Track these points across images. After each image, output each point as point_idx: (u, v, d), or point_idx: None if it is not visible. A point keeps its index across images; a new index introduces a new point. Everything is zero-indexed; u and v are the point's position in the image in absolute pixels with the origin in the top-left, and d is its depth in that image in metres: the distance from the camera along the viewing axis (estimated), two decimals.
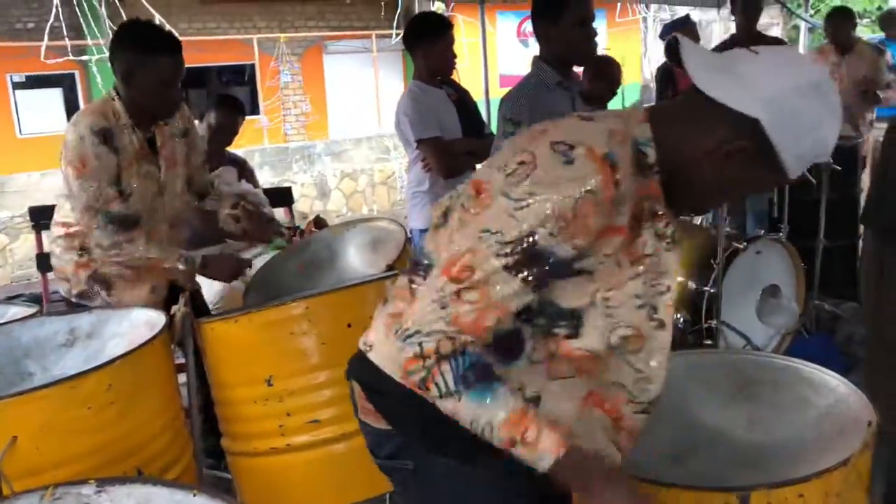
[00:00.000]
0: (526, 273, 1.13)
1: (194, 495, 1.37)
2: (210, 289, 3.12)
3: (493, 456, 1.18)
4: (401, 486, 1.40)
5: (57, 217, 2.52)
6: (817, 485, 1.40)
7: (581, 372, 1.24)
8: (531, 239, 1.12)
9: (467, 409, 1.15)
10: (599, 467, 1.23)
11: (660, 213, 1.22)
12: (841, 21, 5.20)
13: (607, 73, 4.49)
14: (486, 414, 1.14)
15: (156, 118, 2.43)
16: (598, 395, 1.28)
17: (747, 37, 4.79)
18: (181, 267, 2.39)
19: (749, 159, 1.19)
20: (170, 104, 2.41)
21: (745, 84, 1.17)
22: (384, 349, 1.19)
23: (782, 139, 1.15)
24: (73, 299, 2.50)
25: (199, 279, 2.70)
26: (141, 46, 2.31)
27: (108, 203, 2.32)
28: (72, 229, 2.44)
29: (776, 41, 5.15)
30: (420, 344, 1.13)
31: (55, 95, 11.57)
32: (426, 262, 1.28)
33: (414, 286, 1.27)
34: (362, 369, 1.27)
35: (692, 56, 1.22)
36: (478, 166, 3.61)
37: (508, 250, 1.12)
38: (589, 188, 1.11)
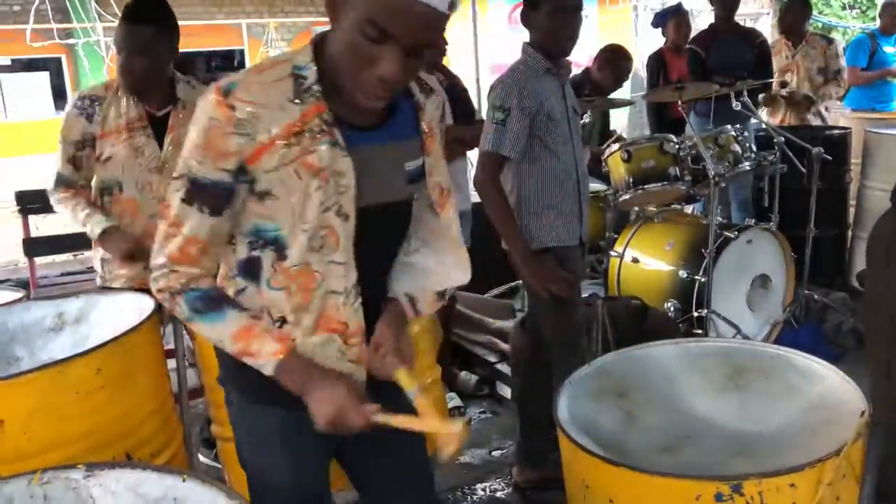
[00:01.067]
0: (197, 203, 1.30)
1: (184, 480, 1.36)
2: None
3: (269, 395, 1.38)
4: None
5: None
6: (809, 474, 1.40)
7: (301, 290, 1.37)
8: (188, 170, 1.30)
9: (205, 331, 1.38)
10: (315, 369, 1.38)
11: (328, 126, 1.31)
12: (799, 10, 5.24)
13: (616, 65, 4.48)
14: (218, 333, 1.36)
15: (145, 89, 2.43)
16: (324, 317, 1.40)
17: (727, 27, 4.80)
18: (89, 233, 2.43)
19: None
20: (148, 74, 2.39)
21: None
22: None
23: None
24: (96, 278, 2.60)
25: None
26: (123, 16, 2.39)
27: (58, 160, 2.44)
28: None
29: (752, 32, 5.16)
30: (155, 279, 1.36)
31: (42, 79, 11.43)
32: None
33: None
34: None
35: None
36: (468, 154, 3.62)
37: (179, 184, 1.31)
38: (210, 116, 1.26)
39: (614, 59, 4.48)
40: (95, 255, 2.57)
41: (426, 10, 1.19)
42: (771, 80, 4.90)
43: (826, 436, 1.56)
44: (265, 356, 1.34)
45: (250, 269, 1.38)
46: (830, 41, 5.36)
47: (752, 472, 1.41)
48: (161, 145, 2.45)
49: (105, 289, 2.45)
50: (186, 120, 2.44)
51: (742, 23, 5.44)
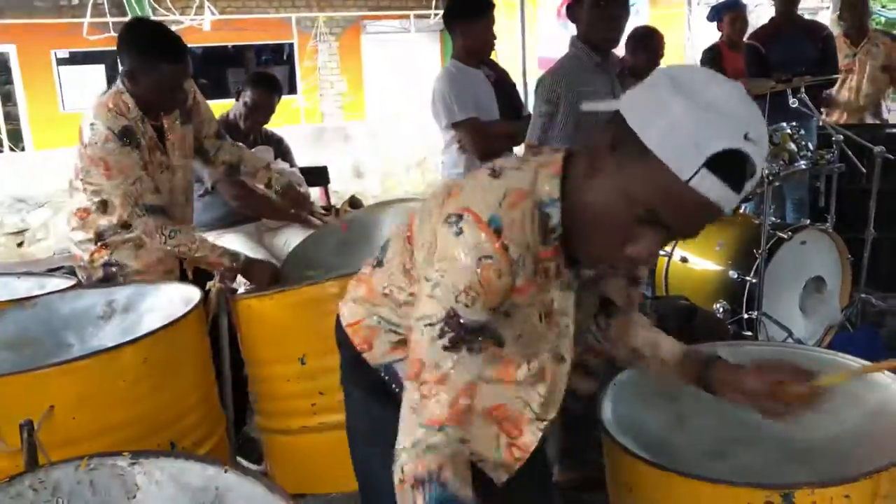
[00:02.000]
0: (465, 348, 1.17)
1: (225, 471, 1.37)
2: None
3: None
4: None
5: (71, 206, 2.58)
6: (865, 485, 1.35)
7: (496, 381, 1.32)
8: (454, 314, 1.15)
9: None
10: None
11: (563, 268, 1.24)
12: (859, 6, 5.07)
13: (647, 45, 4.38)
14: None
15: (163, 111, 2.47)
16: (503, 409, 1.36)
17: (788, 21, 4.65)
18: (227, 264, 2.39)
19: (617, 156, 1.10)
20: (173, 103, 2.46)
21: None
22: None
23: (633, 113, 1.08)
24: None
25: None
26: (143, 50, 2.34)
27: (142, 195, 2.36)
28: (88, 217, 2.51)
29: (817, 25, 5.00)
30: (403, 460, 1.16)
31: (98, 72, 11.72)
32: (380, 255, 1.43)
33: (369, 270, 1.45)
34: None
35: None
36: (515, 149, 3.59)
37: (436, 331, 1.16)
38: (484, 254, 1.13)
39: (642, 39, 4.38)
40: (93, 264, 2.53)
41: (714, 209, 1.07)
42: (835, 77, 4.73)
43: (885, 445, 1.50)
44: None
45: None
46: (895, 38, 5.17)
47: (803, 480, 1.36)
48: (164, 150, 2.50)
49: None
50: (172, 118, 2.51)
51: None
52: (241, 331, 2.23)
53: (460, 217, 1.14)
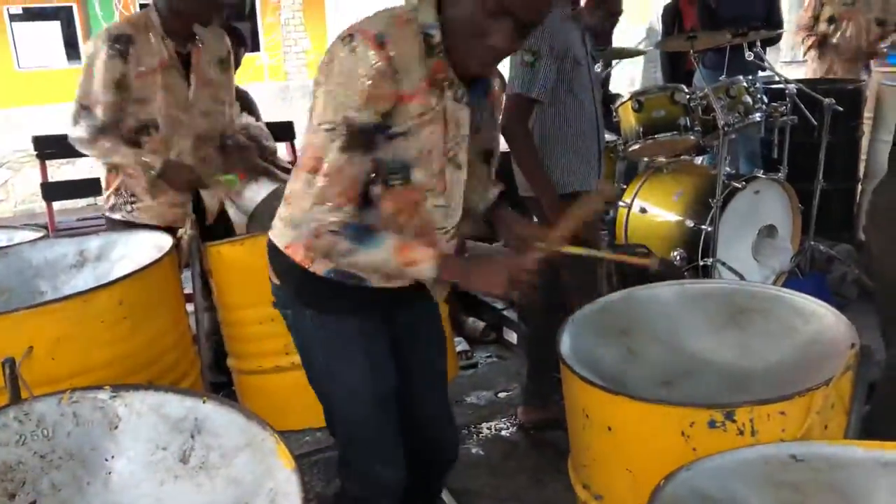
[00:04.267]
0: (358, 148, 1.41)
1: (203, 402, 1.43)
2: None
3: (347, 305, 1.60)
4: (289, 328, 1.73)
5: None
6: (799, 402, 1.46)
7: (402, 213, 1.53)
8: (346, 119, 1.39)
9: (366, 257, 1.48)
10: (468, 261, 1.57)
11: (452, 82, 1.46)
12: None
13: (605, 2, 4.41)
14: (380, 255, 1.47)
15: (194, 22, 2.45)
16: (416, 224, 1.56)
17: None
18: (145, 174, 2.43)
19: None
20: (206, 8, 2.44)
21: None
22: (277, 231, 1.61)
23: None
24: (106, 213, 2.62)
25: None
26: None
27: (95, 105, 2.38)
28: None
29: None
30: (311, 224, 1.45)
31: (54, 28, 11.39)
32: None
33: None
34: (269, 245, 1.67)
35: None
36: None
37: (335, 135, 1.40)
38: (372, 63, 1.36)
39: None
40: (108, 188, 2.57)
41: None
42: (781, 31, 4.82)
43: (819, 370, 1.61)
44: (427, 261, 1.47)
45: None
46: None
47: (743, 400, 1.47)
48: (188, 84, 2.49)
49: (126, 225, 2.49)
50: (205, 57, 2.51)
51: None
52: (213, 277, 2.28)
53: (352, 36, 1.38)
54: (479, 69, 1.46)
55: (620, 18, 4.15)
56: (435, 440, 1.87)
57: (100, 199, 2.67)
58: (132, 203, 2.53)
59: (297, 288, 1.65)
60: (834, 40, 5.05)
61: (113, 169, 2.53)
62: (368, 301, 1.63)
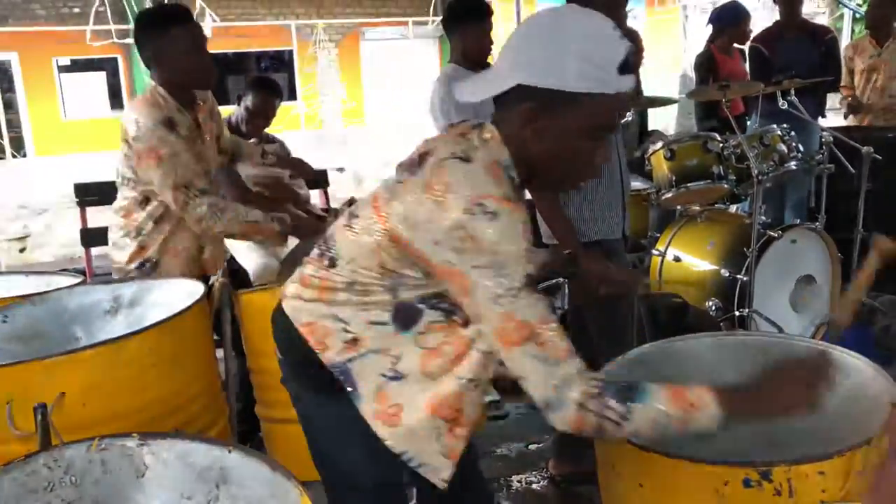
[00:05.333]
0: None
1: (229, 452, 1.43)
2: (248, 266, 3.20)
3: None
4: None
5: (116, 205, 2.62)
6: (838, 462, 1.41)
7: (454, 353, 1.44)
8: (524, 275, 1.30)
9: (644, 417, 1.31)
10: (742, 386, 1.43)
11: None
12: (888, 4, 5.06)
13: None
14: (653, 410, 1.31)
15: (196, 88, 2.52)
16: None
17: (791, 23, 4.73)
18: (278, 228, 2.48)
19: (548, 116, 1.34)
20: (204, 71, 2.48)
21: (504, 64, 1.39)
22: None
23: (544, 75, 1.31)
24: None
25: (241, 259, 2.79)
26: (152, 26, 2.42)
27: (194, 179, 2.42)
28: (130, 216, 2.54)
29: (821, 29, 5.06)
30: (568, 393, 1.30)
31: (99, 79, 11.80)
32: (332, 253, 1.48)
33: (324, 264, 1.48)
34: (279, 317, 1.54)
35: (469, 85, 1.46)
36: None
37: (525, 293, 1.30)
38: (520, 220, 1.31)
39: None
40: (129, 264, 2.57)
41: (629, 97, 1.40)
42: (833, 78, 4.75)
43: (860, 428, 1.56)
44: (709, 405, 1.32)
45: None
46: None
47: (780, 458, 1.42)
48: (203, 140, 2.56)
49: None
50: (205, 110, 2.56)
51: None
52: (243, 324, 2.30)
53: (482, 204, 1.28)
54: (579, 184, 1.52)
55: (650, 65, 4.17)
56: None
57: (115, 274, 2.65)
58: (154, 269, 2.56)
59: (293, 372, 1.59)
60: (869, 94, 5.03)
61: (137, 236, 2.55)
62: None
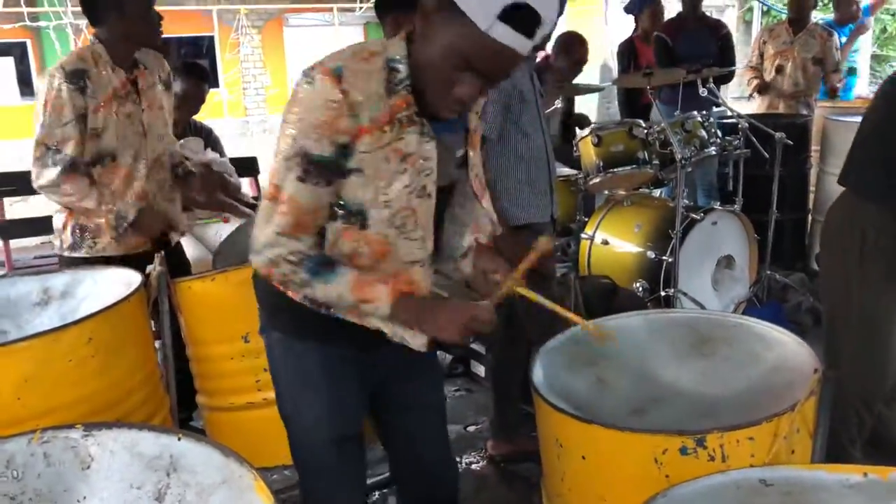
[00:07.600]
0: (313, 178, 1.43)
1: (179, 439, 1.41)
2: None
3: (314, 333, 1.58)
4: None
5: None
6: (766, 428, 1.50)
7: (376, 256, 1.53)
8: (303, 149, 1.41)
9: (323, 290, 1.48)
10: (425, 299, 1.58)
11: (416, 116, 1.46)
12: None
13: (572, 50, 4.56)
14: (336, 289, 1.47)
15: (141, 44, 2.51)
16: (400, 277, 1.56)
17: (693, 17, 4.94)
18: (112, 222, 2.44)
19: (436, 22, 1.37)
20: (153, 28, 2.50)
21: None
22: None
23: None
24: (65, 253, 2.55)
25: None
26: None
27: (63, 143, 2.36)
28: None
29: (718, 24, 5.32)
30: (267, 253, 1.47)
31: (7, 65, 11.23)
32: None
33: None
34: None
35: None
36: None
37: (292, 164, 1.43)
38: (327, 97, 1.38)
39: (570, 46, 4.56)
40: (65, 229, 2.53)
41: (511, 53, 1.34)
42: (733, 69, 5.02)
43: (784, 396, 1.66)
44: (383, 299, 1.47)
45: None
46: (832, 33, 5.35)
47: (713, 426, 1.51)
48: (141, 109, 2.51)
49: (89, 261, 2.46)
50: (149, 80, 2.53)
51: (708, 14, 5.57)
52: (182, 313, 2.26)
53: (312, 70, 1.41)
54: (445, 114, 1.46)
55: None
56: (433, 482, 1.85)
57: (55, 242, 2.59)
58: (94, 239, 2.50)
59: (270, 311, 1.67)
60: (779, 80, 5.28)
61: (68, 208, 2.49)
62: (346, 334, 1.57)
